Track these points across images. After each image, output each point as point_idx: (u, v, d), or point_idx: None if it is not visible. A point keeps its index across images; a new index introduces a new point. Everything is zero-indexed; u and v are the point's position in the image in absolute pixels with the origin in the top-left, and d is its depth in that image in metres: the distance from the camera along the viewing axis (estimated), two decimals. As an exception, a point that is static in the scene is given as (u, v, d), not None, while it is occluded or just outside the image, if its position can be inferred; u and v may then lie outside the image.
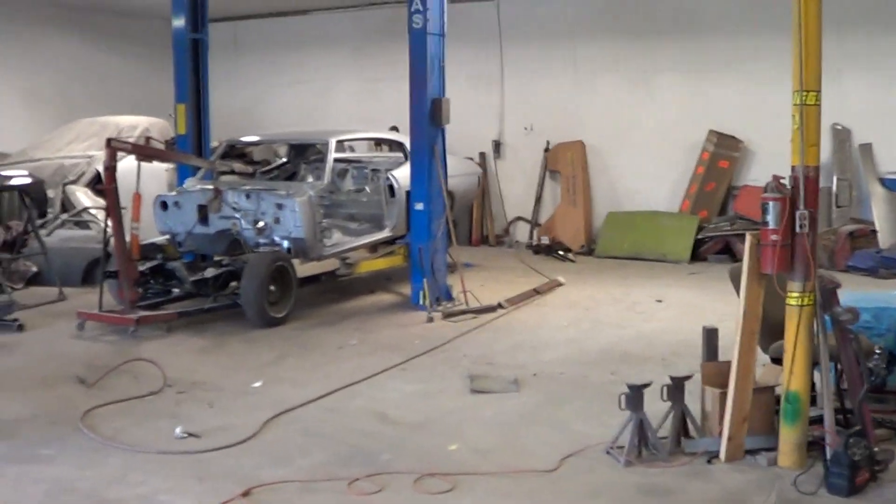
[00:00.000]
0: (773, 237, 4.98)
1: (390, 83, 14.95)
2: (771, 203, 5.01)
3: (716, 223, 12.53)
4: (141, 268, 8.58)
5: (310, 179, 10.77)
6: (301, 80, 15.54)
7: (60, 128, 12.85)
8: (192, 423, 5.79)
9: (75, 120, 13.01)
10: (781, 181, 5.09)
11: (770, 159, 12.36)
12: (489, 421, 5.93)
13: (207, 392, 6.54)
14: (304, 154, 10.97)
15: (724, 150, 12.61)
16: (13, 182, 10.29)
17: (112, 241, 8.25)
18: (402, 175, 9.90)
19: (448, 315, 8.90)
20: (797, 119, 5.00)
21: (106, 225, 8.33)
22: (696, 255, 12.26)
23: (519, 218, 14.11)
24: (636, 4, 13.21)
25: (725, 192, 12.79)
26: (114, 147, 8.06)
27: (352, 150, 11.99)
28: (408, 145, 10.40)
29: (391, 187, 9.82)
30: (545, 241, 13.19)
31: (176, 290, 8.79)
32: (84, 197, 11.55)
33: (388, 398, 6.41)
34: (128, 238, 8.27)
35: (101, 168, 11.67)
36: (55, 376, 6.93)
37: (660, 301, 9.70)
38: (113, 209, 8.11)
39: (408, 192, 9.49)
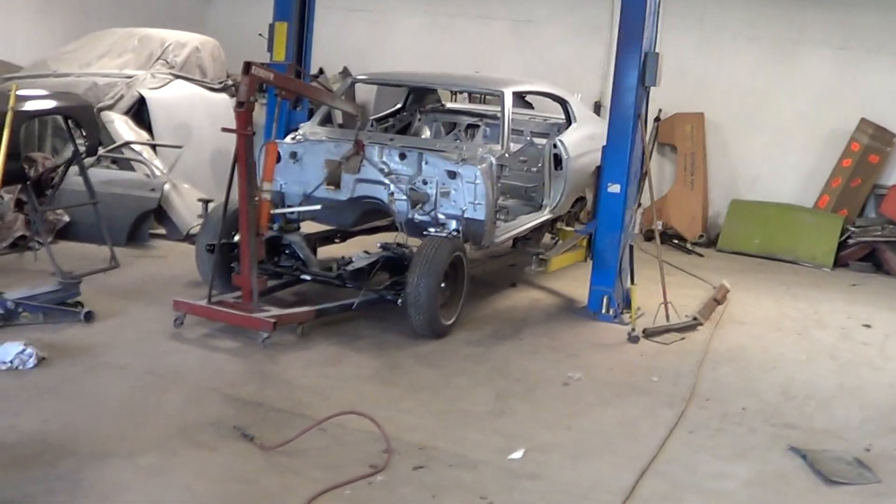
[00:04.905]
0: None
1: (470, 21, 12.68)
2: None
3: (863, 226, 10.73)
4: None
5: (426, 133, 8.54)
6: (353, 8, 12.91)
7: (86, 37, 10.00)
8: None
9: (101, 29, 10.21)
10: None
11: (925, 158, 10.79)
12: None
13: (453, 468, 4.32)
14: (422, 102, 8.66)
15: (876, 144, 10.78)
16: (49, 104, 7.38)
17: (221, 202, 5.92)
18: (570, 142, 7.72)
19: (651, 334, 6.85)
20: None
21: (230, 182, 5.92)
22: (835, 260, 10.47)
23: (619, 196, 12.01)
24: (784, -40, 11.17)
25: (869, 191, 11.03)
26: (254, 75, 5.61)
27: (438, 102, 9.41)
28: (572, 103, 8.25)
29: (556, 157, 7.62)
30: (659, 226, 11.15)
31: (305, 276, 6.49)
32: (125, 127, 8.93)
33: (726, 491, 4.35)
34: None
35: (145, 93, 9.21)
36: (194, 422, 4.59)
37: (868, 326, 7.89)
38: (244, 163, 5.72)
39: (596, 169, 7.26)
